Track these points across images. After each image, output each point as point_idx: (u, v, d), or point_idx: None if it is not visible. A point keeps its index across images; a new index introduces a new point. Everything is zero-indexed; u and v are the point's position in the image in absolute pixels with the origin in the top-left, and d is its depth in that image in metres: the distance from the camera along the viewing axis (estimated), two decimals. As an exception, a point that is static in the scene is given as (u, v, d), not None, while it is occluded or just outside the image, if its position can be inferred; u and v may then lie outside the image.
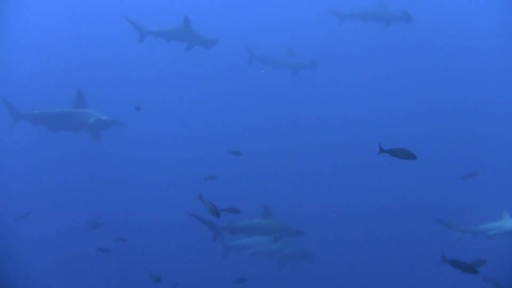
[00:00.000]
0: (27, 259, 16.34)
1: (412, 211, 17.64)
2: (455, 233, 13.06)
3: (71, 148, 18.75)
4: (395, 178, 19.05)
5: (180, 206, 17.52)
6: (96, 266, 15.44)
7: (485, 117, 21.80)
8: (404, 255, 15.90)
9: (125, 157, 20.87)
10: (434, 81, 23.04)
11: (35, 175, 20.10)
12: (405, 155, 6.82)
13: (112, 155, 19.46)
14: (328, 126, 22.43)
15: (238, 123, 22.61)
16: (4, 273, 15.25)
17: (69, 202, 19.03)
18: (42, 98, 20.70)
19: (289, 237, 11.65)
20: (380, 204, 18.54)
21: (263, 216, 11.67)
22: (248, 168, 19.46)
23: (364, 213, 18.10)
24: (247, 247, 13.99)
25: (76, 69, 24.31)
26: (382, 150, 6.99)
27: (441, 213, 14.30)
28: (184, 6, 24.97)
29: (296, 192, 18.94)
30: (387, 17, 16.00)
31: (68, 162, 20.41)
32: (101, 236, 14.61)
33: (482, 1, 23.46)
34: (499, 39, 21.73)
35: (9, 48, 23.56)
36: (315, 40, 23.28)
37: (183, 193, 15.18)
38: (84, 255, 16.35)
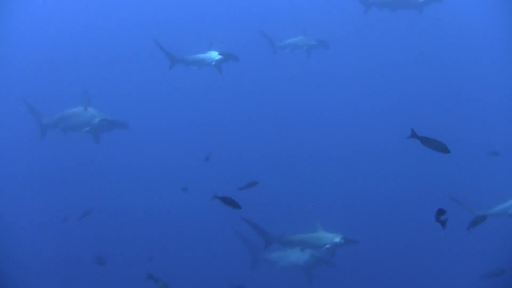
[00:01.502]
0: (20, 254, 16.12)
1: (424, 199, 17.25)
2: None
3: (63, 143, 18.58)
4: (396, 170, 18.92)
5: (181, 203, 17.56)
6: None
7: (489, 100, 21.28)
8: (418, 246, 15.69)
9: (121, 151, 20.43)
10: (435, 72, 22.59)
11: (27, 170, 19.89)
12: (438, 147, 6.46)
13: (107, 150, 19.03)
14: (326, 119, 21.95)
15: (238, 119, 22.34)
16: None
17: (60, 197, 18.60)
18: (42, 94, 20.90)
19: (342, 248, 11.38)
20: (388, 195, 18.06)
21: (314, 229, 11.65)
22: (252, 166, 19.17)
23: (370, 206, 17.70)
24: (276, 261, 13.86)
25: (76, 65, 23.98)
26: (413, 135, 6.58)
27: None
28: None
29: (301, 189, 18.59)
30: (417, 3, 15.41)
31: (60, 157, 19.93)
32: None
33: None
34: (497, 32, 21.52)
35: (9, 44, 23.05)
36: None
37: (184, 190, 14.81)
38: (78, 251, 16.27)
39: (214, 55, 12.85)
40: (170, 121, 22.37)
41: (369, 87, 22.61)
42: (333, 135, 21.09)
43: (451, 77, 21.98)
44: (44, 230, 17.33)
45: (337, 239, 11.17)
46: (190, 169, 18.32)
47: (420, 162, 16.97)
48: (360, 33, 23.00)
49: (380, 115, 21.23)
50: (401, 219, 16.34)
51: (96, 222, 15.59)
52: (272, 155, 20.37)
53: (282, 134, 21.45)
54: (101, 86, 20.42)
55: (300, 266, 13.31)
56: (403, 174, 18.66)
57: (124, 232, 17.45)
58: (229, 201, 7.78)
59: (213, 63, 12.87)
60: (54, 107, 14.20)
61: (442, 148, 6.46)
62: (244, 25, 23.48)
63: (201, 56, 13.11)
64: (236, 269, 14.18)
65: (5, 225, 16.95)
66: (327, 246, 11.21)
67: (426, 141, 6.51)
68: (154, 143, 21.18)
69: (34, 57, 24.18)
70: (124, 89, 23.25)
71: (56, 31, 25.04)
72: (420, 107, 20.70)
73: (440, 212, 6.97)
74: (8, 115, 20.69)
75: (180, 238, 17.13)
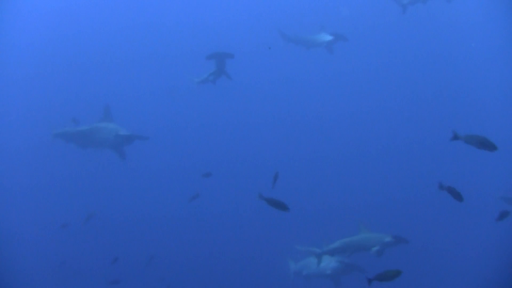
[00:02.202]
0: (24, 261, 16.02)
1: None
2: None
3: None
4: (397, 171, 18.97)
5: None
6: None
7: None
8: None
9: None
10: (441, 72, 22.58)
11: (34, 175, 19.66)
12: (483, 144, 6.44)
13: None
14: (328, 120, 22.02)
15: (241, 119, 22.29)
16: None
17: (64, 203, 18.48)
18: (41, 99, 20.73)
19: (391, 247, 11.01)
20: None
21: (358, 231, 11.35)
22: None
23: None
24: (301, 270, 13.46)
25: (75, 69, 23.76)
26: (456, 137, 6.65)
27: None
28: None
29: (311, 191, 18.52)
30: None
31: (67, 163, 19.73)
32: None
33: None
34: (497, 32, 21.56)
35: (7, 47, 22.74)
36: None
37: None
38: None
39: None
40: (176, 124, 22.16)
41: (382, 86, 22.61)
42: (339, 136, 21.10)
43: (455, 76, 22.05)
44: (49, 234, 17.03)
45: (387, 238, 10.83)
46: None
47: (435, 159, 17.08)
48: (362, 34, 22.93)
49: (400, 114, 21.18)
50: (430, 218, 16.31)
51: (106, 226, 15.62)
52: (289, 159, 20.05)
53: (297, 137, 21.34)
54: (109, 89, 20.37)
55: (327, 274, 12.65)
56: (425, 172, 18.57)
57: (131, 235, 17.49)
58: (276, 203, 7.32)
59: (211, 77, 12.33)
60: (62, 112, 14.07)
61: (487, 145, 6.43)
62: (256, 23, 23.33)
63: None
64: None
65: (11, 229, 16.79)
66: (377, 247, 10.82)
67: (470, 140, 6.52)
68: (161, 147, 21.07)
69: (38, 62, 23.93)
70: (135, 92, 23.14)
71: (52, 33, 24.66)
72: (432, 106, 20.84)
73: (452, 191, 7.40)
74: (11, 120, 20.73)
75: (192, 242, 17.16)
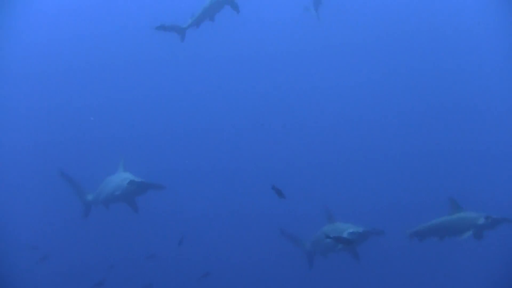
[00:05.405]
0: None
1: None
2: None
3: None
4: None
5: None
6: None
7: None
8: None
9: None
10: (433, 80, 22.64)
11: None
12: None
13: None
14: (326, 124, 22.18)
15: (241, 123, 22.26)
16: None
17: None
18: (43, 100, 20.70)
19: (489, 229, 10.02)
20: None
21: (452, 211, 10.47)
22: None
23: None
24: (315, 246, 12.24)
25: (79, 70, 23.95)
26: None
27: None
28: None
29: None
30: None
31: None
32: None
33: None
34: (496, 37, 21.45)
35: (12, 47, 22.56)
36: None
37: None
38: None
39: None
40: (177, 125, 22.31)
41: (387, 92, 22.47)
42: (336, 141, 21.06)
43: (455, 83, 21.94)
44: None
45: (481, 220, 9.93)
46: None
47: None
48: (362, 40, 22.94)
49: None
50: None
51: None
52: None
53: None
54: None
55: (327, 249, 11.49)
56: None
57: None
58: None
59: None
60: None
61: None
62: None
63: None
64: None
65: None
66: (471, 231, 9.90)
67: None
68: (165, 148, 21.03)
69: (34, 60, 23.92)
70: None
71: (57, 33, 24.76)
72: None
73: None
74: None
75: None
